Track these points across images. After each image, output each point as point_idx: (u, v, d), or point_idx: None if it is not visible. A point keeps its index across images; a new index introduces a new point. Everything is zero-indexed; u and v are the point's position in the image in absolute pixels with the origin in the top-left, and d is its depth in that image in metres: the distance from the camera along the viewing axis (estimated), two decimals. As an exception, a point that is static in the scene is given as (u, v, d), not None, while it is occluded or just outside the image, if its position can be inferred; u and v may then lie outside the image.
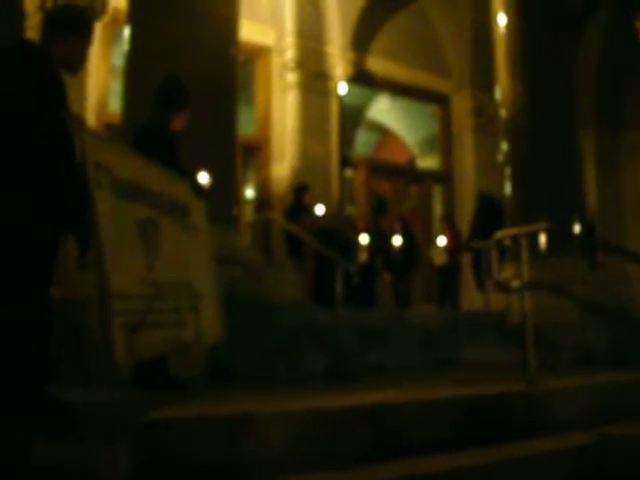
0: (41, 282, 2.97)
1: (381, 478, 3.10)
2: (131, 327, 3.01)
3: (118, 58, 8.96)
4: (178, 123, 4.61)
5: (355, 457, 3.31)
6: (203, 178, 4.87)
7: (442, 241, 11.86)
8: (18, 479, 2.49)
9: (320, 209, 10.20)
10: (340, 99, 12.45)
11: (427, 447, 3.54)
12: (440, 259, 11.65)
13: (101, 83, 9.87)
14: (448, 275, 11.49)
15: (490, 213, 8.98)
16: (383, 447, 3.46)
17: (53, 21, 3.35)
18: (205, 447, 2.96)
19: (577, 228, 7.69)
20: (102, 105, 9.86)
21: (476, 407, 3.99)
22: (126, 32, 6.20)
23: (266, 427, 3.17)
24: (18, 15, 6.74)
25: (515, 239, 6.01)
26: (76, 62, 3.35)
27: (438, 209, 14.17)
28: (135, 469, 2.71)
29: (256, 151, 11.61)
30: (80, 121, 3.03)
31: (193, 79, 5.10)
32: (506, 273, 7.10)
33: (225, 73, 6.22)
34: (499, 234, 5.82)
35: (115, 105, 8.85)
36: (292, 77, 11.75)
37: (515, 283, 5.20)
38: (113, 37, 9.96)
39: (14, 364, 2.84)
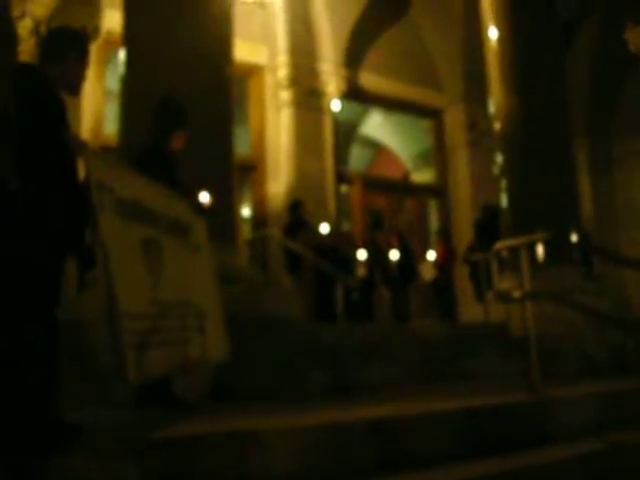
0: (47, 304, 2.96)
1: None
2: (139, 346, 3.01)
3: (112, 80, 9.00)
4: (177, 142, 4.64)
5: (363, 471, 3.31)
6: (204, 197, 4.88)
7: (431, 256, 11.90)
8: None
9: (324, 227, 10.23)
10: (334, 115, 12.51)
11: (435, 459, 3.54)
12: (429, 274, 11.71)
13: (96, 105, 9.91)
14: (440, 289, 11.52)
15: (492, 225, 8.99)
16: (391, 461, 3.46)
17: (51, 42, 3.37)
18: (214, 464, 2.97)
19: (574, 237, 7.72)
20: (97, 127, 9.90)
21: (482, 418, 3.99)
22: (121, 54, 6.24)
23: (271, 443, 3.17)
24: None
25: (514, 250, 6.04)
26: (76, 82, 3.38)
27: (434, 223, 14.21)
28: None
29: (251, 169, 11.65)
30: (82, 141, 3.04)
31: (189, 99, 5.13)
32: (505, 284, 7.11)
33: (221, 92, 6.26)
34: (498, 245, 5.85)
35: (110, 127, 8.88)
36: (286, 95, 11.81)
37: (517, 293, 5.21)
38: (107, 59, 10.02)
39: (23, 388, 2.82)
